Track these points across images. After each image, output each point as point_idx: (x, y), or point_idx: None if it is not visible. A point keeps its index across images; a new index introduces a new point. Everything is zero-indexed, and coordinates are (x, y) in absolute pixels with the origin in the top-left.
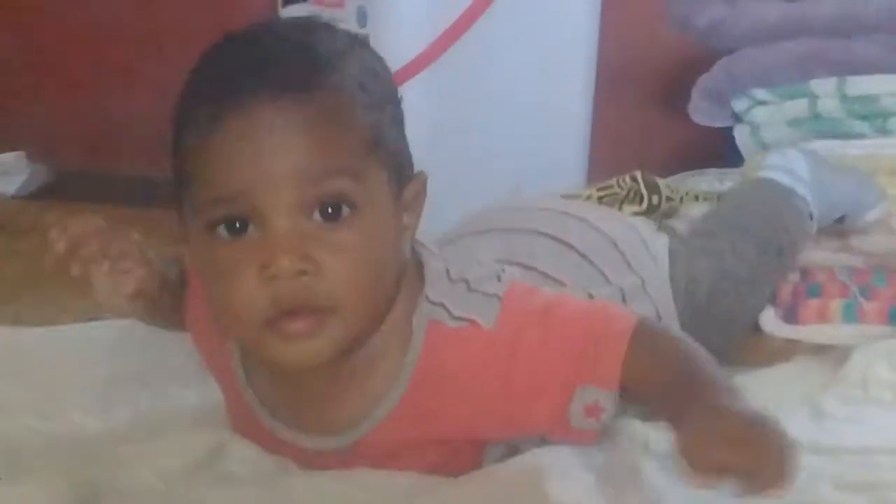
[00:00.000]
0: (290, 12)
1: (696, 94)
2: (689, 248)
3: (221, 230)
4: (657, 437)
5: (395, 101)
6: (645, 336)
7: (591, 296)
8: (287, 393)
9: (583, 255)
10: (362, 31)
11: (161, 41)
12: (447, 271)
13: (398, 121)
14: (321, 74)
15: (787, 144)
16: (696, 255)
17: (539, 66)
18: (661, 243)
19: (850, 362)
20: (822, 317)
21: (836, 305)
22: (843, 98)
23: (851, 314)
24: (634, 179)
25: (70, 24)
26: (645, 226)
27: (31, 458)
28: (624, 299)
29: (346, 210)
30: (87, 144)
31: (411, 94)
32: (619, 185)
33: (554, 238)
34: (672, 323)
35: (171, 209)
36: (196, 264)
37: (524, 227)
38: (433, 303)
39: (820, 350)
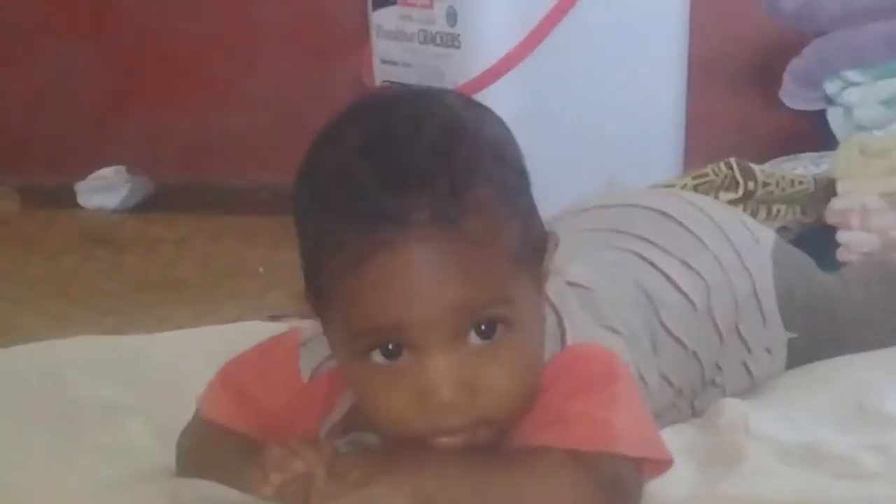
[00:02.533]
0: (379, 16)
1: (787, 77)
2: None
3: (375, 355)
4: (758, 416)
5: (523, 171)
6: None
7: (687, 265)
8: None
9: (680, 223)
10: (452, 31)
11: (256, 55)
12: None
13: (528, 192)
14: (468, 195)
15: (883, 124)
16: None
17: (630, 57)
18: (766, 232)
19: None
20: None
21: None
22: None
23: None
24: (729, 166)
25: (167, 41)
26: (748, 217)
27: (143, 457)
28: (721, 268)
29: (500, 329)
30: (185, 156)
31: (503, 91)
32: (714, 173)
33: (651, 208)
34: (769, 303)
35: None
36: (344, 376)
37: (621, 203)
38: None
39: None
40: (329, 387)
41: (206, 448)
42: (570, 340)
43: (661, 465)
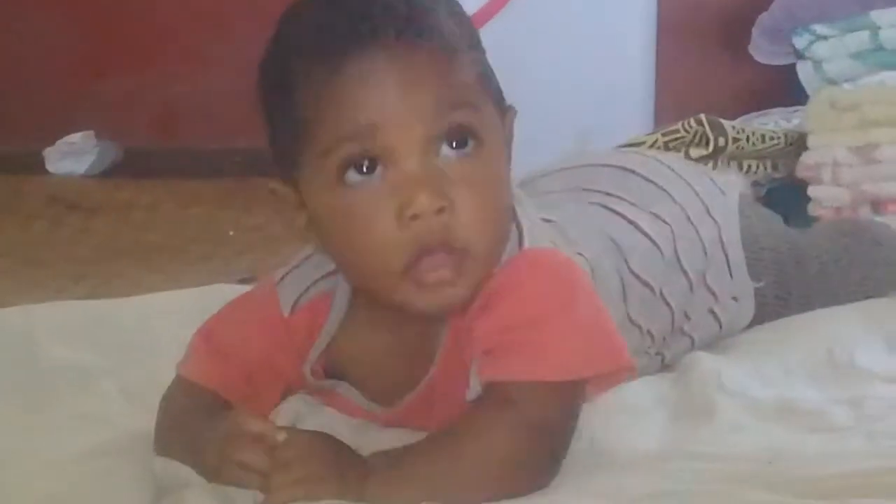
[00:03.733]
0: None
1: (756, 32)
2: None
3: (351, 174)
4: (730, 371)
5: (479, 39)
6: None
7: (654, 214)
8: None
9: (645, 178)
10: None
11: (224, 20)
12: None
13: (483, 52)
14: (427, 18)
15: (852, 77)
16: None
17: (600, 14)
18: (732, 186)
19: None
20: None
21: None
22: None
23: None
24: (700, 123)
25: (136, 7)
26: (714, 172)
27: (116, 423)
28: (689, 218)
29: (471, 142)
30: (154, 121)
31: None
32: (684, 129)
33: (615, 166)
34: (735, 252)
35: (276, 179)
36: (324, 220)
37: (585, 163)
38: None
39: None
40: (310, 319)
41: (178, 416)
42: (527, 245)
43: (622, 372)
